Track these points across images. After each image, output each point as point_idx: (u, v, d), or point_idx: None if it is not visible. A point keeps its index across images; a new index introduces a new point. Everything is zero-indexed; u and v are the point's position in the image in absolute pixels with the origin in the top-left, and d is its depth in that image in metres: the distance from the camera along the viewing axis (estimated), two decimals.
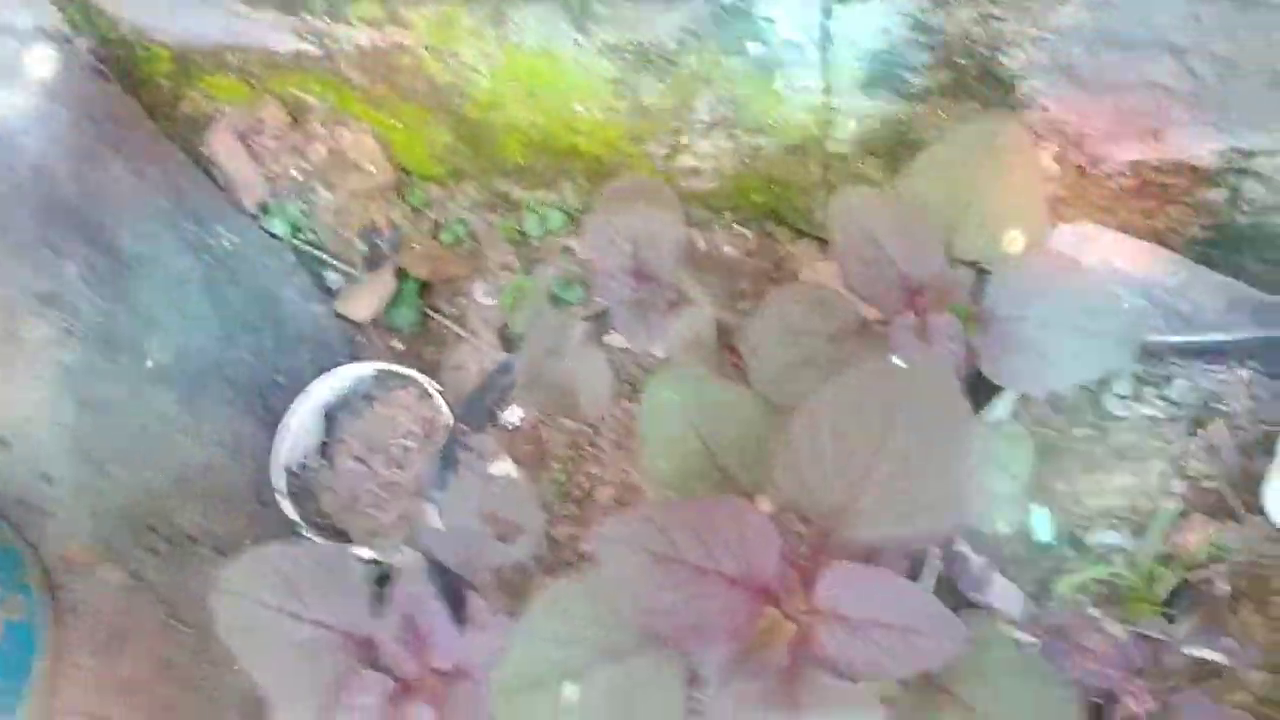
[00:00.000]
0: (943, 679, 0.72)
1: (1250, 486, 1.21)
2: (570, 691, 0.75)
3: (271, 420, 1.44)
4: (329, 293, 1.66)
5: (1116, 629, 0.77)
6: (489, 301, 1.66)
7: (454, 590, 1.22)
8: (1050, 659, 0.71)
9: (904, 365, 0.70)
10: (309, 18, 1.43)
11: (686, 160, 1.44)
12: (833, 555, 0.72)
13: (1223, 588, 1.19)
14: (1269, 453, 1.18)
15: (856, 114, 1.28)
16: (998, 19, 1.08)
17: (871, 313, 0.98)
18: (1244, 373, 1.25)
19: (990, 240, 0.95)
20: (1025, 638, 0.74)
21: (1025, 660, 0.71)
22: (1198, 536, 1.19)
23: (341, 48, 1.47)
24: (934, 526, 0.72)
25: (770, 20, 1.17)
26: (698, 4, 1.20)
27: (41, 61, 1.41)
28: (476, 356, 1.62)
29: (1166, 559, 1.20)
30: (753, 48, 1.23)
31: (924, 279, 0.96)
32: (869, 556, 0.73)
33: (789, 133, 1.35)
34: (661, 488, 0.81)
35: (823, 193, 1.44)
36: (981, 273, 0.98)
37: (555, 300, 1.42)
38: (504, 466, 1.13)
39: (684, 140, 1.41)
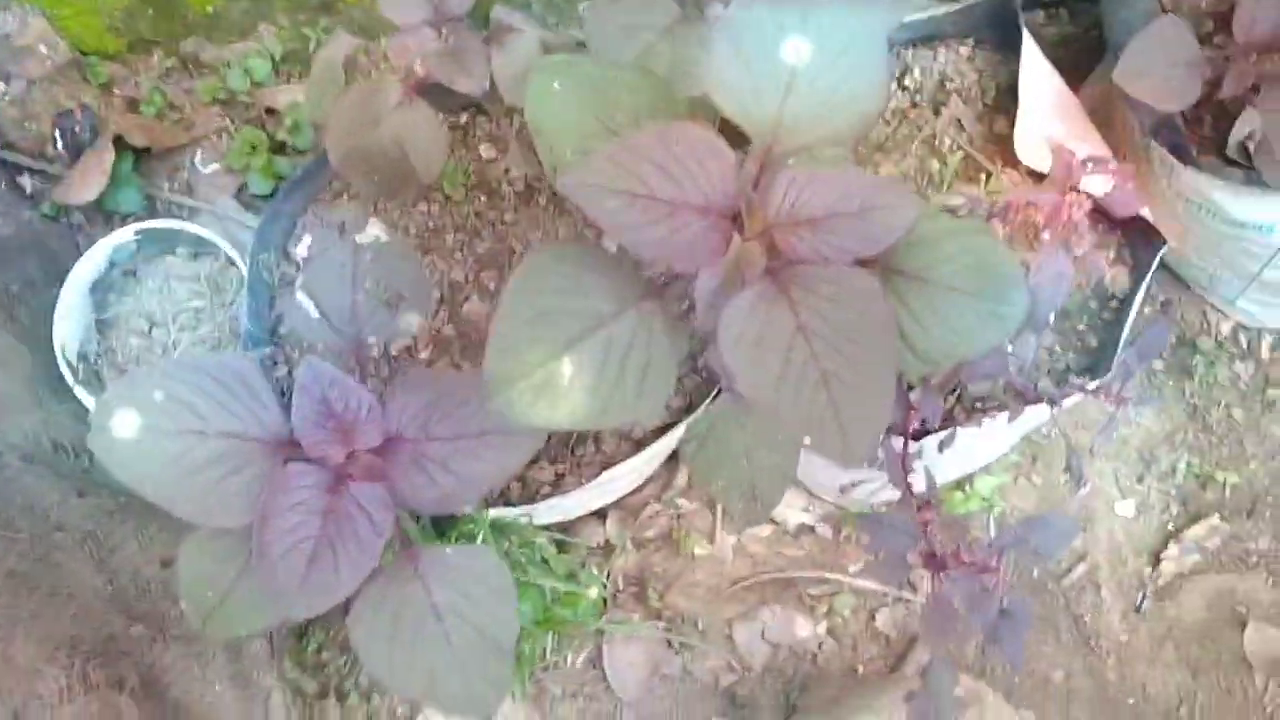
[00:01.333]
0: (892, 262, 0.78)
1: (997, 145, 1.36)
2: (567, 365, 0.75)
3: (24, 329, 1.30)
4: (30, 198, 1.50)
5: None
6: (212, 168, 1.56)
7: None
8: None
9: None
10: None
11: None
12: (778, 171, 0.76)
13: None
14: (1006, 111, 1.33)
15: None
16: None
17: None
18: (964, 49, 1.39)
19: None
20: (953, 200, 0.81)
21: (961, 223, 0.78)
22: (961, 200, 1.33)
23: None
24: (858, 121, 0.77)
25: None
26: None
27: None
28: (220, 225, 1.52)
29: None
30: None
31: None
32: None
33: None
34: None
35: None
36: None
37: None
38: (373, 231, 1.07)
39: None
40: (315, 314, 0.95)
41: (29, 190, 1.50)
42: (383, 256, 0.94)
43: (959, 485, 1.46)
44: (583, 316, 0.75)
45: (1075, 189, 0.79)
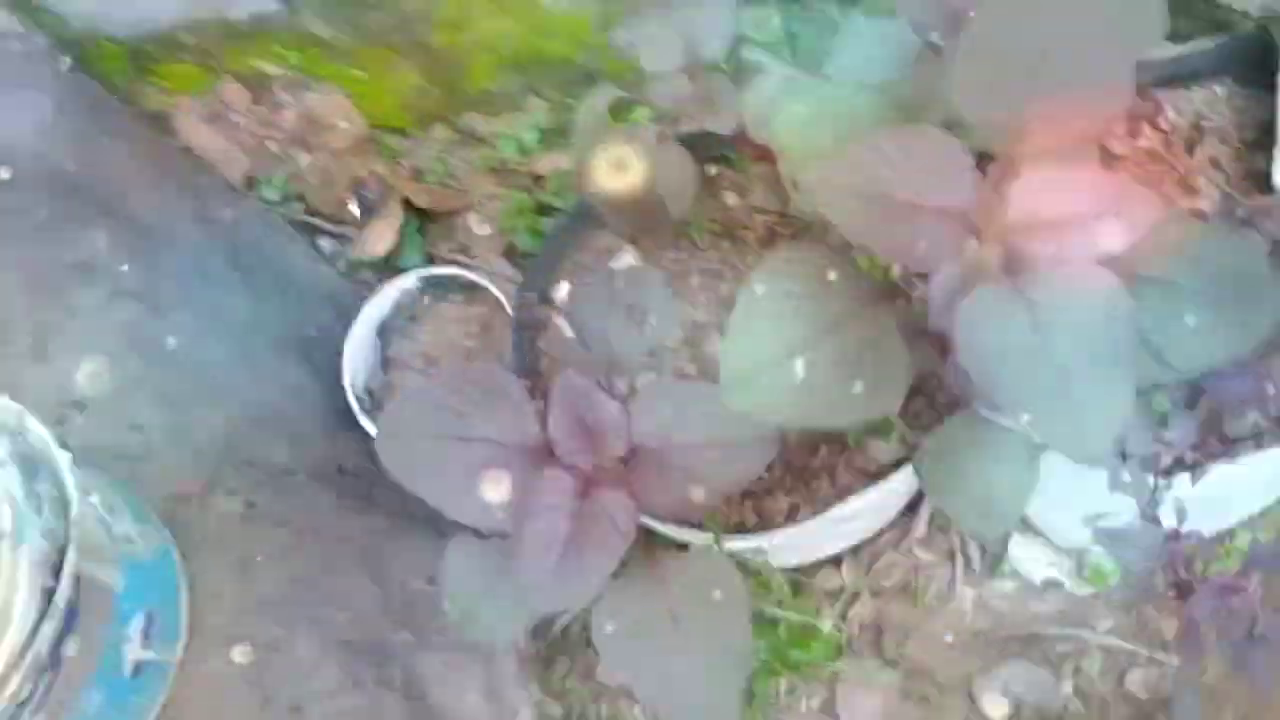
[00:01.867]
0: (1133, 265, 0.78)
1: (1256, 184, 1.32)
2: (799, 365, 0.78)
3: (317, 368, 1.45)
4: (327, 258, 1.67)
5: None
6: (485, 231, 1.69)
7: None
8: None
9: None
10: None
11: None
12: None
13: None
14: (1264, 149, 1.29)
15: None
16: None
17: None
18: (1219, 89, 1.36)
19: None
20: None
21: (1209, 227, 0.78)
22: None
23: None
24: (1110, 102, 0.78)
25: None
26: None
27: (9, 57, 1.40)
28: (494, 280, 1.64)
29: None
30: None
31: None
32: None
33: None
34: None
35: None
36: None
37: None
38: (625, 259, 1.15)
39: None
40: (572, 335, 1.02)
41: (326, 251, 1.68)
42: (635, 282, 1.01)
43: (1218, 540, 1.39)
44: (816, 318, 0.79)
45: None
